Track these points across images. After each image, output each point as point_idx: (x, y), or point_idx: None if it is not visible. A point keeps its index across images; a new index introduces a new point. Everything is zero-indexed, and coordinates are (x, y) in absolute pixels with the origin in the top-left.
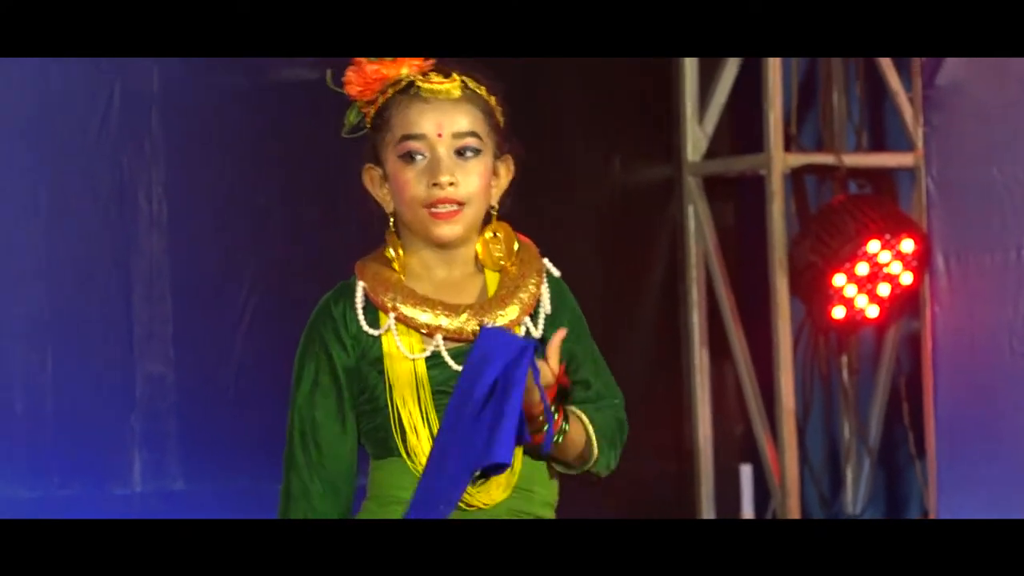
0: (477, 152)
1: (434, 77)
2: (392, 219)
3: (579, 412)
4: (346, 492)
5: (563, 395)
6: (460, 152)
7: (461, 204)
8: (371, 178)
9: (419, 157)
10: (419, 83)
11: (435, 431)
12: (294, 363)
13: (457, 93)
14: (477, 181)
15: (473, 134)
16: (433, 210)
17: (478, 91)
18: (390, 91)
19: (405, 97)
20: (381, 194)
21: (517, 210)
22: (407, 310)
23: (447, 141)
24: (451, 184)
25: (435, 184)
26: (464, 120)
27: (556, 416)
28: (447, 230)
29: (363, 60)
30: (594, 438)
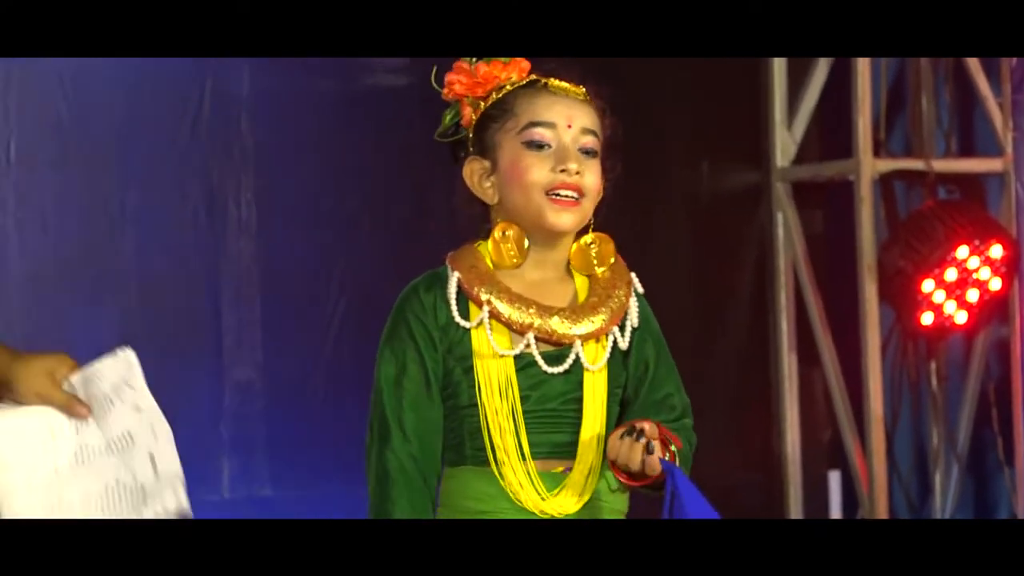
0: (595, 154)
1: (558, 77)
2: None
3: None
4: (432, 485)
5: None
6: (583, 149)
7: (580, 196)
8: (473, 170)
9: (545, 145)
10: (546, 80)
11: (521, 433)
12: (379, 347)
13: (582, 95)
14: (595, 179)
15: (595, 134)
16: (555, 195)
17: (599, 103)
18: (509, 87)
19: (531, 90)
20: (484, 187)
21: (607, 217)
22: (501, 306)
23: (574, 134)
24: (577, 173)
25: (563, 170)
26: (588, 119)
27: (670, 459)
28: (565, 218)
29: (465, 63)
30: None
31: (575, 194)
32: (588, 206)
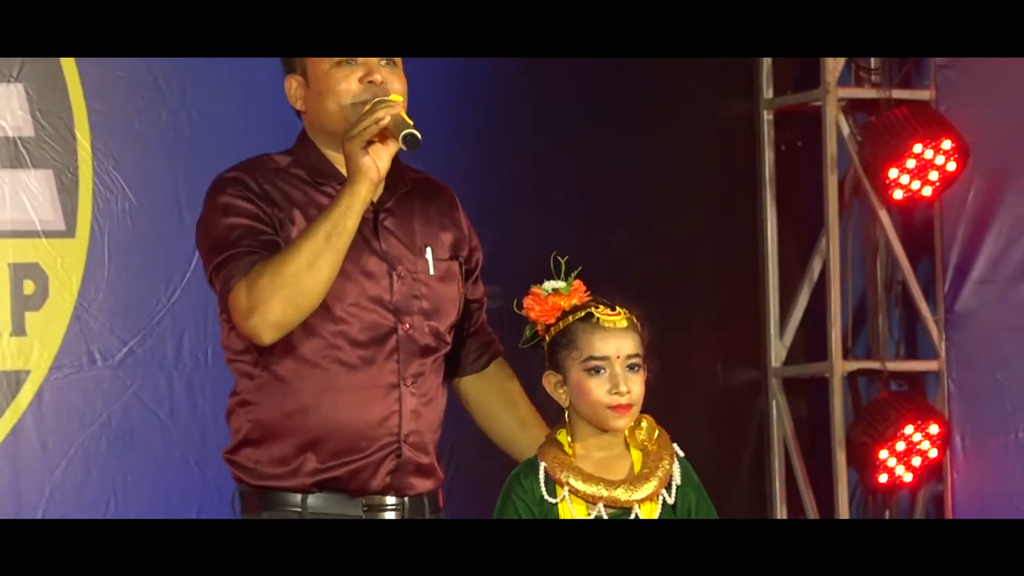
0: (639, 367)
1: (605, 310)
2: (567, 412)
3: None
4: None
5: None
6: (630, 367)
7: (631, 404)
8: (549, 382)
9: (602, 371)
10: (598, 315)
11: None
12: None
13: (624, 323)
14: (640, 388)
15: (637, 355)
16: (613, 410)
17: (634, 320)
18: (571, 318)
19: (587, 325)
20: (559, 394)
21: (650, 401)
22: (577, 484)
23: (622, 361)
24: (627, 392)
25: (616, 393)
26: (631, 344)
27: None
28: (622, 422)
29: (539, 291)
30: None
31: (628, 406)
32: (637, 408)
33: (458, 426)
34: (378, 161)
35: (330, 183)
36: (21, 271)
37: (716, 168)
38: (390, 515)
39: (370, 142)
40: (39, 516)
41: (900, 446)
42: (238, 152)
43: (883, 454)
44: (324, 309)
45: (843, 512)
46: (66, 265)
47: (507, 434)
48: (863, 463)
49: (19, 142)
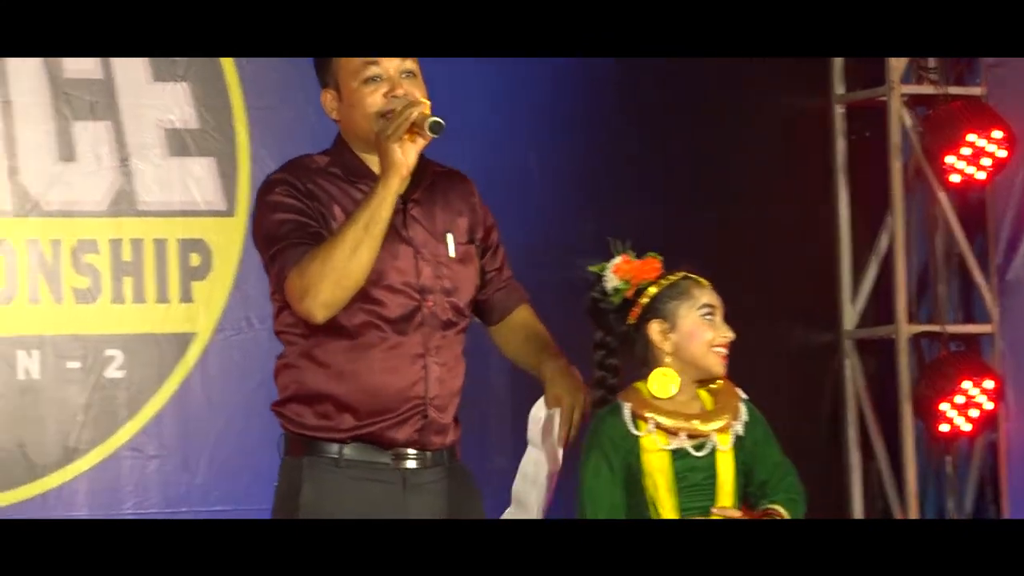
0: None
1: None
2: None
3: (779, 511)
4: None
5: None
6: (724, 319)
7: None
8: (656, 330)
9: (713, 317)
10: (694, 277)
11: (677, 502)
12: (581, 457)
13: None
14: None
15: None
16: (717, 350)
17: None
18: (671, 277)
19: (692, 281)
20: (666, 340)
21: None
22: (660, 419)
23: (720, 311)
24: (727, 338)
25: (725, 336)
26: (719, 300)
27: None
28: (721, 366)
29: (636, 260)
30: (786, 516)
31: (726, 349)
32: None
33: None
34: (408, 156)
35: (363, 180)
36: (188, 246)
37: (796, 156)
38: (412, 464)
39: (401, 139)
40: (204, 461)
41: (959, 399)
42: None
43: (944, 406)
44: (360, 290)
45: (910, 457)
46: (227, 240)
47: (528, 360)
48: (927, 414)
49: (185, 133)
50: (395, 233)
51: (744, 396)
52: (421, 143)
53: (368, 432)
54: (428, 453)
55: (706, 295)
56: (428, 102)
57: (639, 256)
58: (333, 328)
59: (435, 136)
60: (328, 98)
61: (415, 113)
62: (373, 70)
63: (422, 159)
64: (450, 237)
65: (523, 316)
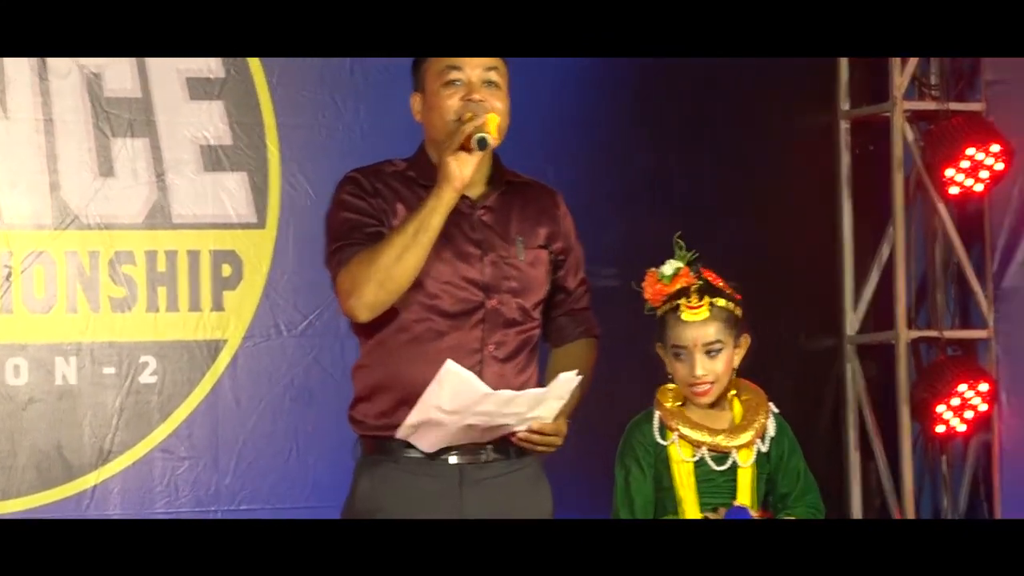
0: (720, 351)
1: (689, 302)
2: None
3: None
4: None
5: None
6: (708, 352)
7: (712, 383)
8: (660, 352)
9: (682, 356)
10: (681, 310)
11: (699, 504)
12: (616, 459)
13: (704, 315)
14: (722, 366)
15: (717, 341)
16: (693, 389)
17: (720, 306)
18: (666, 306)
19: (674, 317)
20: (667, 362)
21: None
22: (685, 430)
23: (700, 348)
24: (703, 374)
25: (693, 376)
26: (711, 332)
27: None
28: (703, 400)
29: (654, 273)
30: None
31: (706, 385)
32: (718, 386)
33: None
34: (463, 169)
35: (433, 184)
36: (220, 257)
37: (802, 169)
38: (468, 458)
39: (458, 150)
40: (233, 462)
41: (955, 401)
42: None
43: (941, 408)
44: (420, 287)
45: (907, 457)
46: (258, 252)
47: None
48: (924, 416)
49: (219, 150)
50: (463, 235)
51: (775, 410)
52: (478, 155)
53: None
54: (487, 448)
55: (679, 334)
56: (497, 116)
57: (692, 263)
58: (394, 325)
59: (481, 151)
60: (416, 101)
61: (470, 128)
62: (454, 74)
63: (500, 167)
64: (520, 241)
65: (578, 350)
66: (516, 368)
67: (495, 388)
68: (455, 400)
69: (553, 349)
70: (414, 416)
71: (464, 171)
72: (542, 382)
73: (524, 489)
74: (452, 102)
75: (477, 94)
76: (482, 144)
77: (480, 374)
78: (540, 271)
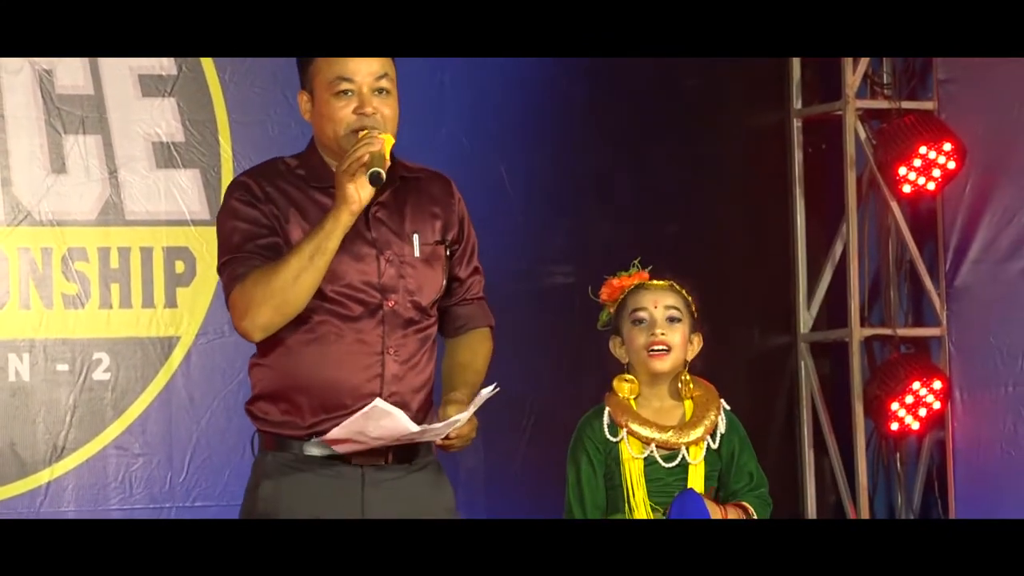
0: (679, 320)
1: (652, 280)
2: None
3: (747, 506)
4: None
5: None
6: (668, 319)
7: (669, 349)
8: (614, 345)
9: (643, 321)
10: (644, 283)
11: (647, 500)
12: (567, 456)
13: (666, 285)
14: (679, 338)
15: (676, 307)
16: (651, 351)
17: (679, 289)
18: (627, 289)
19: (635, 289)
20: (620, 353)
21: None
22: (635, 427)
23: (660, 310)
24: (663, 335)
25: (652, 335)
26: (671, 298)
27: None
28: (659, 364)
29: (614, 279)
30: (755, 516)
31: (664, 347)
32: (675, 355)
33: None
34: (361, 192)
35: (326, 186)
36: (173, 253)
37: (754, 167)
38: (369, 460)
39: (354, 175)
40: (187, 457)
41: (909, 399)
42: None
43: (894, 406)
44: (320, 291)
45: (861, 454)
46: (211, 248)
47: (448, 383)
48: (877, 413)
49: (172, 146)
50: (358, 235)
51: (726, 407)
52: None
53: (326, 428)
54: (388, 450)
55: (639, 299)
56: (391, 138)
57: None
58: (296, 327)
59: (374, 188)
60: (303, 100)
61: (366, 156)
62: (344, 85)
63: (395, 161)
64: (416, 238)
65: (474, 341)
66: (416, 368)
67: (395, 389)
68: (381, 431)
69: (448, 340)
70: (337, 433)
71: (363, 195)
72: (438, 376)
73: (425, 489)
74: (344, 114)
75: (369, 106)
76: (375, 180)
77: (381, 375)
78: (436, 268)
